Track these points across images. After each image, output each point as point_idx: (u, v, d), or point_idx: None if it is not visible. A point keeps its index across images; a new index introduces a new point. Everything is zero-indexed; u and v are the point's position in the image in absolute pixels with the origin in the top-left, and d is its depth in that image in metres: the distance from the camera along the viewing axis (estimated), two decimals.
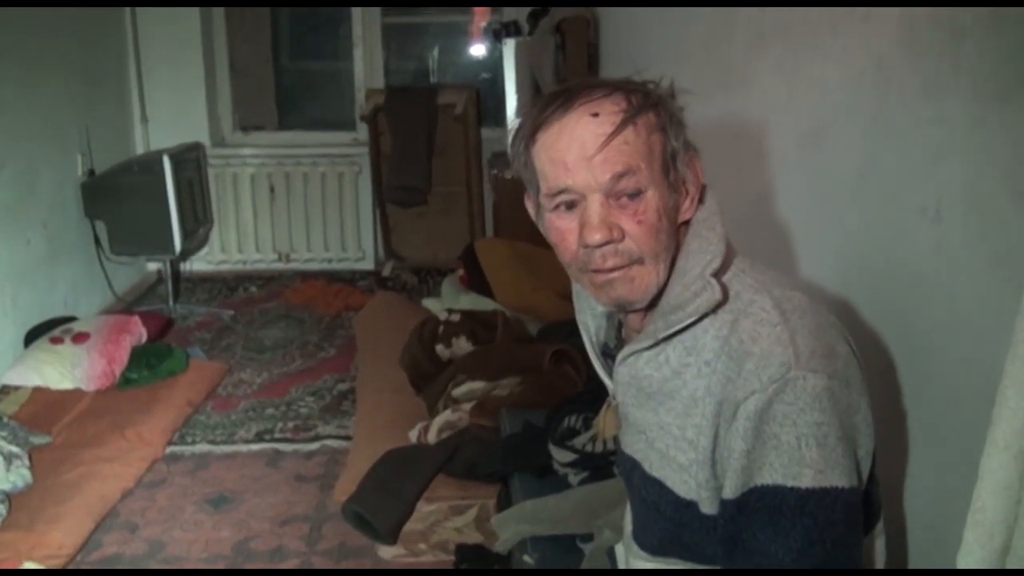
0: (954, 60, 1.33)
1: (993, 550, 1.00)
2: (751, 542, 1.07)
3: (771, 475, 1.05)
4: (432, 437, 2.80)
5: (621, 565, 1.44)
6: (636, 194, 1.10)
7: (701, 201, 1.19)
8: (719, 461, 1.11)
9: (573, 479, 2.18)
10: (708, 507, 1.14)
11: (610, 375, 1.29)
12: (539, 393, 2.73)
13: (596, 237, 1.10)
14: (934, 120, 1.39)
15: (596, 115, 1.09)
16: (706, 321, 1.12)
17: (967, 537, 1.04)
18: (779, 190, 2.06)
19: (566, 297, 4.17)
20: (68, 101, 4.36)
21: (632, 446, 1.26)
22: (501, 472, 2.45)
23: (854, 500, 1.06)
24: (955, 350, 1.33)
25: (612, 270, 1.13)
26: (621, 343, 1.30)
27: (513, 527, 2.01)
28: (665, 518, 1.20)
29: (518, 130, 1.17)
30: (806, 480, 1.03)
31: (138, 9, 5.10)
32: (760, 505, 1.06)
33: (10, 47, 3.80)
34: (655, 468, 1.21)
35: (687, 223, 1.18)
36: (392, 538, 2.50)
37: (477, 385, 2.93)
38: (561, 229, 1.15)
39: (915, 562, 1.48)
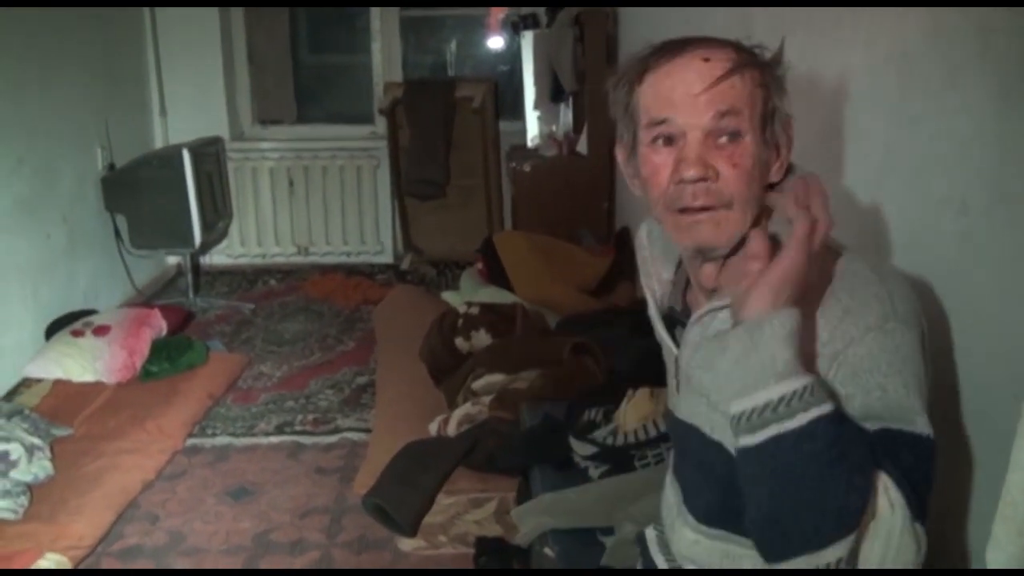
0: (980, 50, 1.31)
1: (1023, 545, 0.99)
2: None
3: (888, 420, 1.04)
4: (452, 430, 2.80)
5: (653, 550, 1.42)
6: (735, 135, 1.11)
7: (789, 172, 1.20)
8: None
9: (593, 472, 2.17)
10: None
11: (673, 340, 1.28)
12: (559, 386, 2.73)
13: (692, 172, 1.11)
14: (959, 110, 1.37)
15: (707, 60, 1.11)
16: None
17: (996, 531, 1.03)
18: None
19: (585, 290, 4.16)
20: (87, 96, 4.37)
21: (690, 410, 1.25)
22: (521, 465, 2.45)
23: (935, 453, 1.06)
24: (982, 342, 1.32)
25: (701, 210, 1.13)
26: (687, 308, 1.28)
27: (533, 520, 2.01)
28: (717, 477, 1.19)
29: (623, 72, 1.19)
30: (919, 427, 1.04)
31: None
32: (885, 447, 1.02)
33: (29, 43, 3.82)
34: (716, 431, 1.19)
35: (773, 186, 1.18)
36: (412, 530, 2.50)
37: (496, 378, 2.93)
38: (656, 163, 1.15)
39: (937, 557, 1.47)
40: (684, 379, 1.26)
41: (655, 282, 1.35)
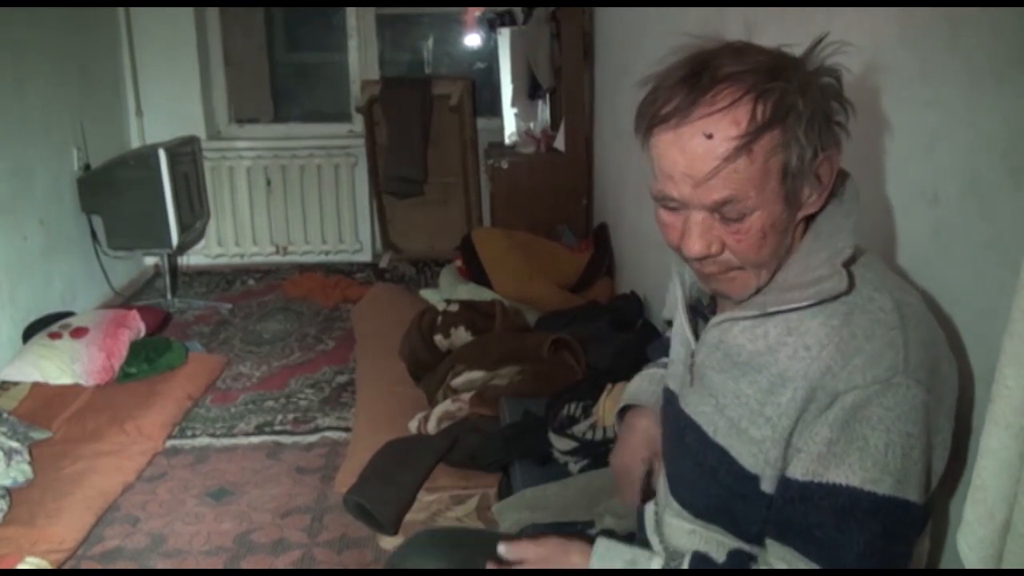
0: (951, 42, 1.32)
1: (994, 528, 1.00)
2: (815, 531, 1.06)
3: (848, 475, 1.04)
4: (432, 427, 2.80)
5: (649, 530, 1.42)
6: (739, 218, 1.07)
7: (841, 185, 1.17)
8: (794, 444, 1.10)
9: (573, 467, 2.18)
10: (769, 485, 1.13)
11: (694, 331, 1.28)
12: (538, 382, 2.74)
13: (694, 251, 1.10)
14: (930, 102, 1.39)
15: (710, 137, 1.03)
16: (818, 306, 1.10)
17: (967, 515, 1.04)
18: None
19: (564, 286, 4.18)
20: (63, 96, 4.34)
21: (696, 407, 1.25)
22: (502, 461, 2.46)
23: (919, 518, 1.07)
24: (953, 330, 1.33)
25: (710, 274, 1.14)
26: (714, 303, 1.28)
27: (514, 515, 2.01)
28: (722, 485, 1.19)
29: (642, 107, 1.10)
30: (884, 487, 1.03)
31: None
32: (826, 503, 1.06)
33: (2, 43, 3.79)
34: (720, 435, 1.19)
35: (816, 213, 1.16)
36: (394, 528, 2.50)
37: (476, 375, 2.93)
38: (665, 223, 1.14)
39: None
40: (697, 375, 1.26)
41: (686, 270, 1.33)
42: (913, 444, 1.04)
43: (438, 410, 2.85)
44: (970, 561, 1.05)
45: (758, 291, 1.16)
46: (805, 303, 1.10)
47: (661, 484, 1.40)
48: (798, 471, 1.08)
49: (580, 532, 1.63)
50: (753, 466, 1.14)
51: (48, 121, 4.19)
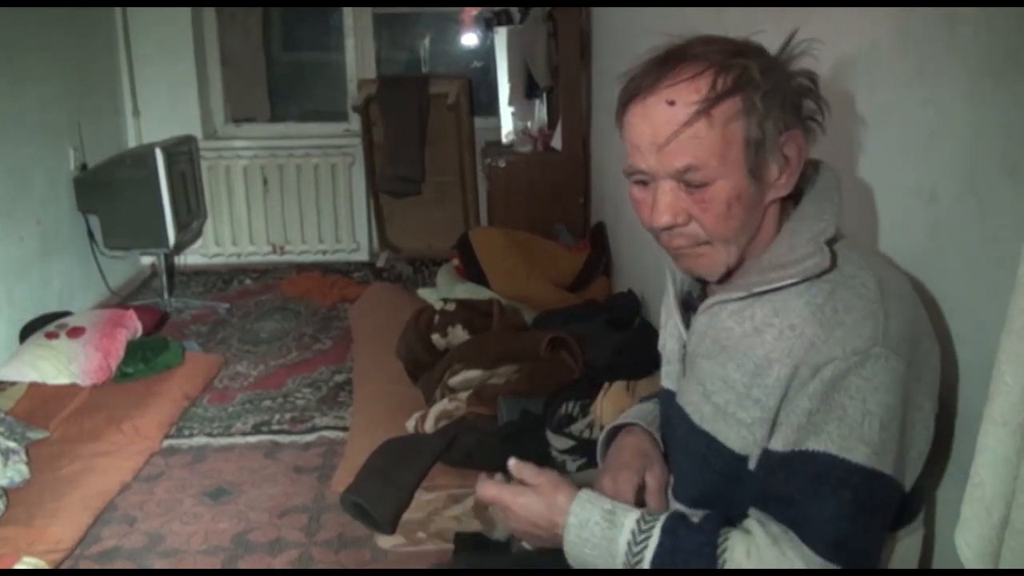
0: (947, 41, 1.32)
1: (991, 525, 1.00)
2: (795, 497, 1.08)
3: (826, 442, 1.06)
4: (429, 426, 2.80)
5: None
6: (701, 185, 1.11)
7: (815, 173, 1.21)
8: (778, 420, 1.12)
9: (571, 465, 2.19)
10: (756, 463, 1.16)
11: (686, 325, 1.29)
12: (536, 381, 2.74)
13: (660, 221, 1.14)
14: (928, 101, 1.39)
15: (672, 103, 1.09)
16: (803, 286, 1.13)
17: (965, 512, 1.04)
18: None
19: (561, 285, 4.18)
20: (59, 96, 4.34)
21: (686, 397, 1.27)
22: (499, 460, 2.44)
23: (893, 494, 1.08)
24: (951, 328, 1.33)
25: (679, 248, 1.17)
26: (704, 295, 1.30)
27: None
28: (714, 471, 1.21)
29: (621, 89, 1.16)
30: (858, 456, 1.05)
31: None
32: (804, 469, 1.07)
33: None
34: (705, 421, 1.21)
35: (791, 196, 1.19)
36: (391, 527, 2.50)
37: (474, 374, 2.94)
38: (637, 200, 1.18)
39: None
40: (689, 365, 1.27)
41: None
42: (892, 416, 1.06)
43: (435, 409, 2.85)
44: (967, 558, 1.05)
45: (728, 272, 1.19)
46: (789, 281, 1.12)
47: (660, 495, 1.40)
48: (779, 443, 1.11)
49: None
50: (743, 448, 1.16)
51: (45, 121, 4.19)
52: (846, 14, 1.67)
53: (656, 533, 1.14)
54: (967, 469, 1.04)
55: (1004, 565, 1.00)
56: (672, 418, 1.32)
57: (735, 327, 1.17)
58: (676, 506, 1.31)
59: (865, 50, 1.60)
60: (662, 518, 1.16)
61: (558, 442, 2.21)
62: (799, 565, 1.07)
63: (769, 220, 1.19)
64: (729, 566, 1.10)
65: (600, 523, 1.17)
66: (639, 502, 1.36)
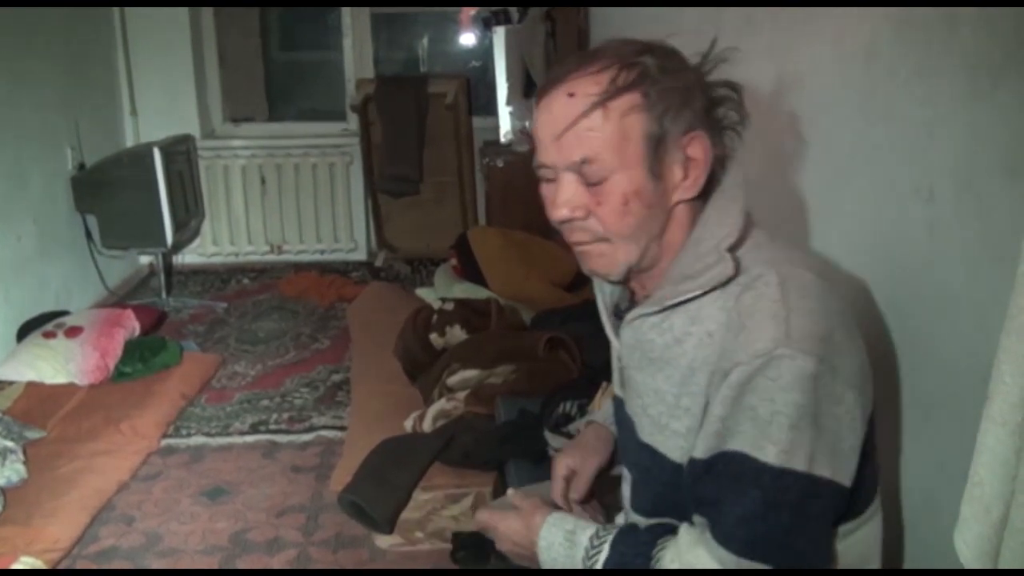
0: (946, 40, 1.33)
1: (990, 524, 1.00)
2: (715, 497, 1.09)
3: (740, 442, 1.06)
4: (427, 426, 2.80)
5: None
6: (600, 181, 1.12)
7: (723, 172, 1.19)
8: (702, 427, 1.13)
9: None
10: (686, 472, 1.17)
11: (616, 334, 1.30)
12: (534, 380, 2.74)
13: (558, 214, 1.16)
14: (926, 100, 1.39)
15: (572, 95, 1.11)
16: (714, 293, 1.12)
17: (964, 511, 1.04)
18: (769, 174, 2.05)
19: (559, 285, 4.17)
20: (57, 95, 4.33)
21: (631, 408, 1.28)
22: (497, 460, 2.45)
23: (813, 489, 1.06)
24: (950, 328, 1.33)
25: (579, 243, 1.18)
26: (632, 305, 1.29)
27: None
28: (661, 482, 1.22)
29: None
30: (767, 455, 1.04)
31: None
32: (723, 469, 1.08)
33: None
34: (645, 433, 1.23)
35: (701, 197, 1.18)
36: (389, 527, 2.50)
37: (471, 373, 2.93)
38: (544, 196, 1.20)
39: (911, 537, 1.49)
40: (626, 377, 1.29)
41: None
42: (801, 414, 1.04)
43: (433, 409, 2.85)
44: (966, 557, 1.05)
45: (629, 272, 1.19)
46: (697, 292, 1.13)
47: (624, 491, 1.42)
48: (700, 450, 1.11)
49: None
50: (681, 457, 1.17)
51: (42, 120, 4.18)
52: (845, 14, 1.67)
53: (606, 548, 1.19)
54: (966, 469, 1.04)
55: (1003, 565, 0.99)
56: (623, 427, 1.34)
57: (657, 339, 1.18)
58: (634, 517, 1.32)
59: (864, 49, 1.60)
60: (614, 532, 1.21)
61: (556, 441, 2.21)
62: (714, 566, 1.09)
63: (679, 224, 1.18)
64: (659, 567, 1.15)
65: (563, 543, 1.24)
66: (592, 490, 1.50)
